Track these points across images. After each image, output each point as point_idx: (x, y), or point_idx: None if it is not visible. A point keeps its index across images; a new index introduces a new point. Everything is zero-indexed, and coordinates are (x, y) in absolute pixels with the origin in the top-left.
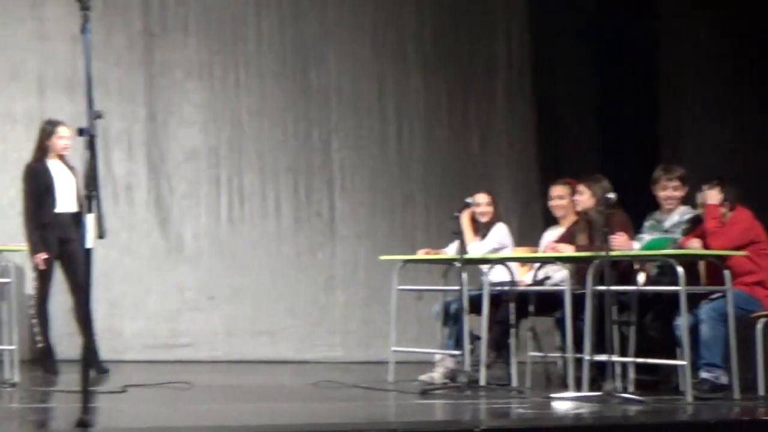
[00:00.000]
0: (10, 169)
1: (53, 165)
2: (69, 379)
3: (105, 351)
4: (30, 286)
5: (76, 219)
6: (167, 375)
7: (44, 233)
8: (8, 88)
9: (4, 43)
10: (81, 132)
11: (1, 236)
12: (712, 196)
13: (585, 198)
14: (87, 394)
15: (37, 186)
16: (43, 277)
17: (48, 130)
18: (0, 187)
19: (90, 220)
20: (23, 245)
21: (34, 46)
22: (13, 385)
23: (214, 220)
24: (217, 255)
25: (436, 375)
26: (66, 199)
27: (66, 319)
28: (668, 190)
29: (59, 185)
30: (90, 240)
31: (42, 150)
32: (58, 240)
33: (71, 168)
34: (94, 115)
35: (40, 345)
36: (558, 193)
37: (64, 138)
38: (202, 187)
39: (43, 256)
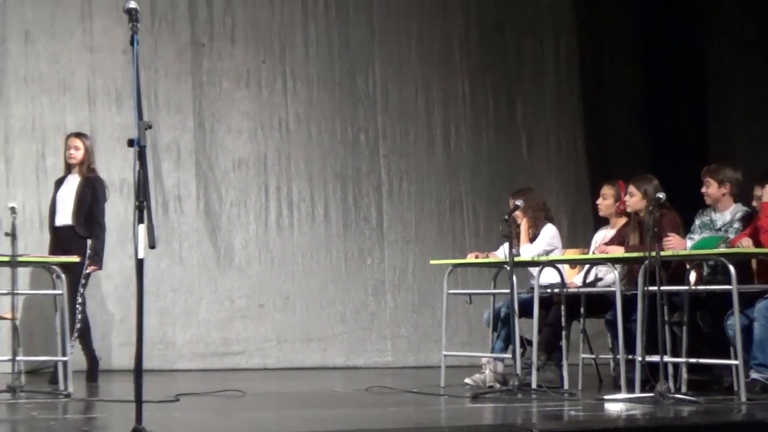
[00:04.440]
0: None
1: (70, 179)
2: (122, 388)
3: (156, 360)
4: None
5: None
6: (219, 383)
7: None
8: (59, 100)
9: (55, 55)
10: (131, 143)
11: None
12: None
13: (635, 200)
14: (141, 404)
15: (51, 198)
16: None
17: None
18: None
19: (141, 230)
20: (74, 257)
21: (83, 59)
22: (68, 395)
23: (263, 227)
24: (266, 262)
25: (483, 377)
26: (63, 213)
27: (119, 329)
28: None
29: (59, 199)
30: (141, 250)
31: (64, 163)
32: (61, 253)
33: (88, 180)
34: (144, 126)
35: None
36: (602, 192)
37: (69, 148)
38: (251, 195)
39: None
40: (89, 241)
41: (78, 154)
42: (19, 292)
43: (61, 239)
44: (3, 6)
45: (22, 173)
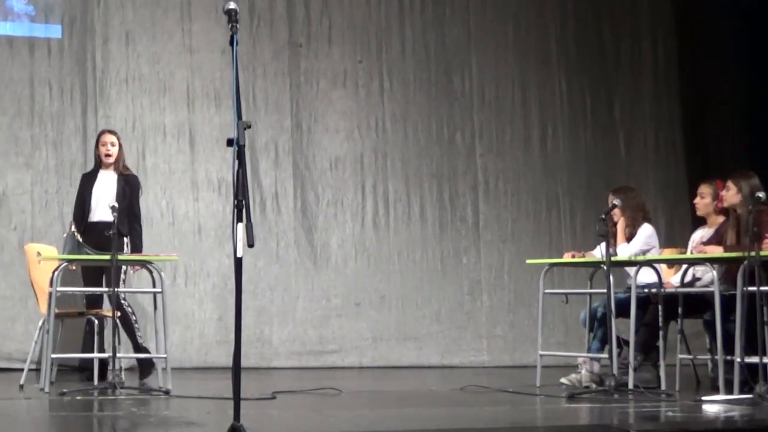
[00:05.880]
0: (160, 180)
1: (104, 175)
2: (219, 386)
3: (253, 358)
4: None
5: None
6: (315, 381)
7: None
8: (159, 100)
9: (154, 56)
10: (230, 142)
11: (153, 246)
12: None
13: (731, 194)
14: (239, 401)
15: (79, 193)
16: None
17: (96, 139)
18: (151, 198)
19: (240, 229)
20: (174, 255)
21: (183, 59)
22: (167, 392)
23: (359, 226)
24: (362, 261)
25: (579, 377)
26: (103, 210)
27: (216, 326)
28: None
29: (96, 195)
30: (240, 249)
31: (94, 159)
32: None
33: (126, 177)
34: (243, 126)
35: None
36: (700, 191)
37: (105, 144)
38: (348, 194)
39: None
40: (126, 239)
41: (114, 151)
42: (120, 290)
43: (99, 235)
44: (104, 8)
45: None
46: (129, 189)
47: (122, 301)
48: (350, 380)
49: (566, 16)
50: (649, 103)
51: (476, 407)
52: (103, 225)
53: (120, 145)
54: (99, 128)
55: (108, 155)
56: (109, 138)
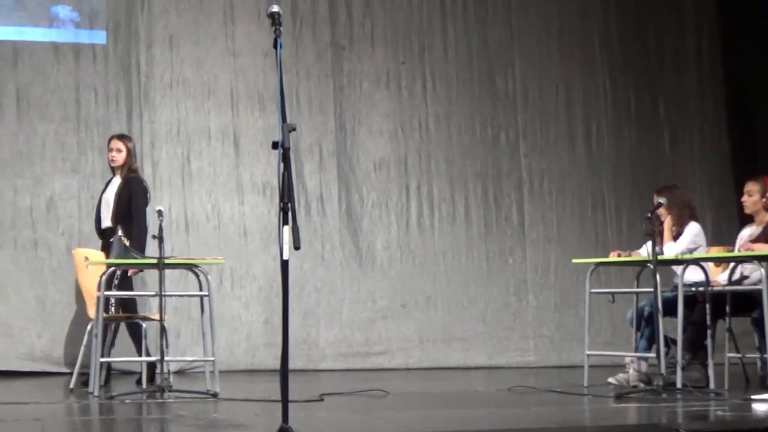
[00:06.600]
0: (205, 183)
1: (114, 181)
2: (266, 388)
3: (300, 360)
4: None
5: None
6: (362, 383)
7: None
8: (203, 104)
9: (198, 61)
10: (275, 145)
11: (200, 250)
12: None
13: None
14: (287, 403)
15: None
16: None
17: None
18: (197, 201)
19: (286, 231)
20: (220, 258)
21: (227, 63)
22: (215, 395)
23: (404, 228)
24: (408, 263)
25: (627, 376)
26: (106, 216)
27: (263, 329)
28: None
29: (104, 201)
30: (286, 251)
31: (109, 165)
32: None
33: (126, 181)
34: (288, 128)
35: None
36: (747, 188)
37: (111, 150)
38: (392, 195)
39: None
40: (126, 243)
41: (119, 157)
42: (167, 293)
43: (106, 241)
44: (148, 13)
45: (167, 177)
46: (127, 192)
47: (110, 306)
48: (397, 382)
49: (609, 13)
50: (694, 100)
51: (523, 408)
52: (108, 231)
53: (128, 150)
54: (144, 133)
55: (113, 161)
56: (115, 144)
